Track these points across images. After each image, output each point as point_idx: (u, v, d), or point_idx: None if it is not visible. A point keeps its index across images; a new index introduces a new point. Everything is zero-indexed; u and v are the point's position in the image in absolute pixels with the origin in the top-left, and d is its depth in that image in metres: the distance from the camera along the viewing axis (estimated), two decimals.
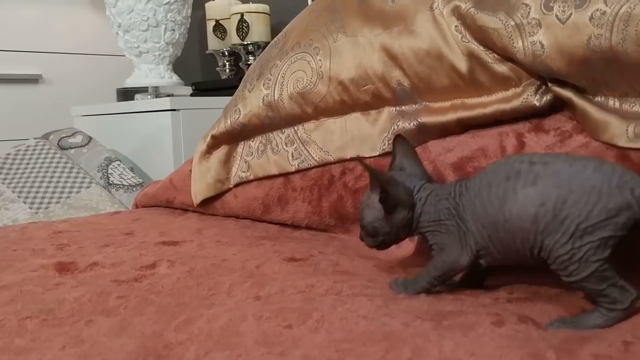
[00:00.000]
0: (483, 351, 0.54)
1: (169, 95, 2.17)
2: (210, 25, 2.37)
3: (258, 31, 2.19)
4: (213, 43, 2.38)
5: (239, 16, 2.19)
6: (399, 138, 0.79)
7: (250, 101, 1.11)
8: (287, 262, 0.86)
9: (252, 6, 2.20)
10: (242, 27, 2.19)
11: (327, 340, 0.58)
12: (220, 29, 2.35)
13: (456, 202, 0.69)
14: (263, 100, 1.09)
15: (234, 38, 2.23)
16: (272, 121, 1.09)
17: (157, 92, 2.23)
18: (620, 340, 0.55)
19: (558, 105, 0.83)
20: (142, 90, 2.29)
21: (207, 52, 2.44)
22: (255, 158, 1.12)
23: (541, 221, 0.61)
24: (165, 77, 2.16)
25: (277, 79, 1.07)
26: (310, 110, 1.03)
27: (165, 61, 2.17)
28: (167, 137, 1.86)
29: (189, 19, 2.25)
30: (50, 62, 2.63)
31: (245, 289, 0.74)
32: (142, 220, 1.21)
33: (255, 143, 1.13)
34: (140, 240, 1.00)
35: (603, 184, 0.60)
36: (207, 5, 2.37)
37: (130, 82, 2.21)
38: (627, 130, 0.74)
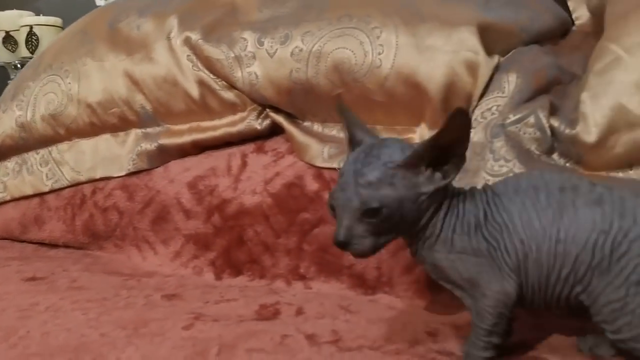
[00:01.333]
0: (157, 353, 0.61)
1: None
2: (0, 36, 2.27)
3: (49, 44, 2.14)
4: (3, 55, 2.29)
5: (28, 28, 2.13)
6: (341, 106, 0.60)
7: (4, 122, 1.11)
8: (26, 281, 0.88)
9: (42, 19, 2.14)
10: (32, 39, 2.13)
11: (20, 354, 0.62)
12: (11, 41, 2.26)
13: (485, 211, 0.54)
14: (16, 122, 1.09)
15: (23, 51, 2.16)
16: (26, 142, 1.10)
17: None
18: (280, 334, 0.65)
19: (279, 129, 0.93)
20: None
21: None
22: (11, 178, 1.12)
23: (598, 253, 0.50)
24: None
25: (29, 100, 1.08)
26: (62, 131, 1.06)
27: None
28: None
29: None
30: None
31: None
32: None
33: (11, 164, 1.13)
34: None
35: None
36: None
37: None
38: (323, 151, 0.85)
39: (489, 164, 0.69)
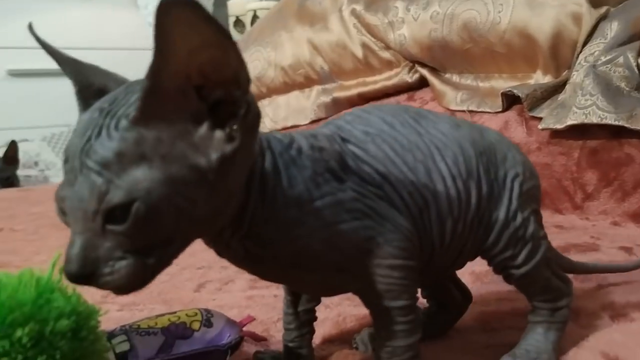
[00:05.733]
0: None
1: None
2: (231, 21, 2.71)
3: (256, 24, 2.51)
4: (234, 37, 2.71)
5: (252, 12, 2.52)
6: (41, 40, 0.34)
7: None
8: None
9: (263, 3, 2.52)
10: (256, 21, 2.52)
11: None
12: (240, 24, 2.69)
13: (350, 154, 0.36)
14: None
15: None
16: None
17: None
18: None
19: (426, 82, 1.12)
20: None
21: None
22: None
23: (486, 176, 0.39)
24: None
25: None
26: (264, 90, 1.35)
27: None
28: None
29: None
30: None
31: None
32: None
33: None
34: None
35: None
36: (228, 3, 2.71)
37: None
38: (456, 97, 1.02)
39: (577, 99, 0.82)
